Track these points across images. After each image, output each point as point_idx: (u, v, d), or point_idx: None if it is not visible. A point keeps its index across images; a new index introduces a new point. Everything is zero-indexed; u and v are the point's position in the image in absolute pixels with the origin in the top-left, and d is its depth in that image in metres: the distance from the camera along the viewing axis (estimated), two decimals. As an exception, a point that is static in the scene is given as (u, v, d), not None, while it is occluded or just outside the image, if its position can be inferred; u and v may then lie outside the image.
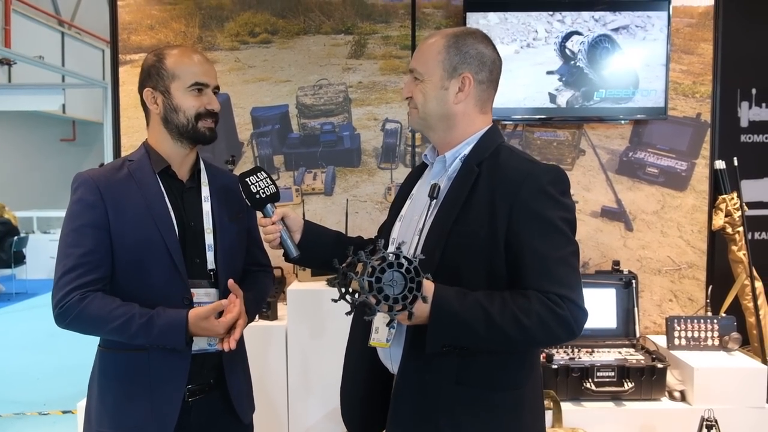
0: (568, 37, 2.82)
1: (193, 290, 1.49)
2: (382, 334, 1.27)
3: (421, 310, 1.18)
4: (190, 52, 1.54)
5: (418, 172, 1.51)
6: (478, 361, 1.27)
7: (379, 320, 1.33)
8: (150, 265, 1.45)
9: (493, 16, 2.83)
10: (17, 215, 8.31)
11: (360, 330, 1.41)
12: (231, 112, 2.98)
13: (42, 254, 8.90)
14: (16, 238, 7.74)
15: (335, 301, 1.18)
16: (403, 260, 1.12)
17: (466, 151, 1.36)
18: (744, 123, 3.34)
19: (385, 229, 1.49)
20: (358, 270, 1.15)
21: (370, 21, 2.97)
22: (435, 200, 1.33)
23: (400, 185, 1.56)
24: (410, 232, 1.36)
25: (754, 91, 3.32)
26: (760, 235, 3.36)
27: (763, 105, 3.35)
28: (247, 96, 2.98)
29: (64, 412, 3.85)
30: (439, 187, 1.33)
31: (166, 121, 1.51)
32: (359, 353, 1.40)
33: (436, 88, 1.34)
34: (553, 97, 2.84)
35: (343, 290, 1.17)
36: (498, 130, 1.40)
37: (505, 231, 1.24)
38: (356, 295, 1.15)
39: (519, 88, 2.82)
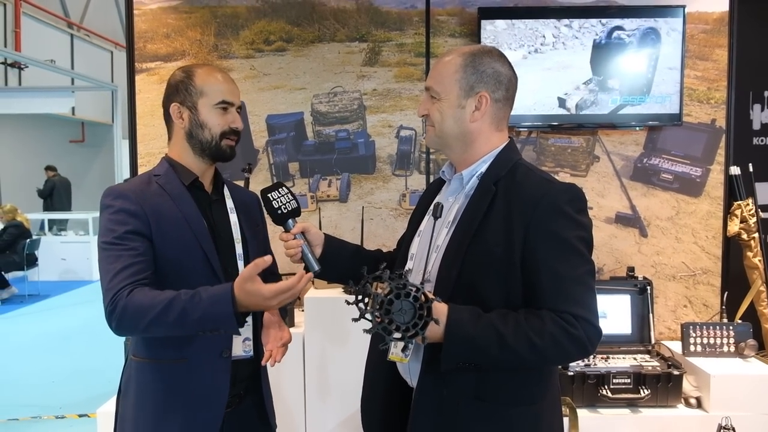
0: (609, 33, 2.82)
1: None
2: (400, 348, 1.30)
3: (435, 331, 1.20)
4: (217, 71, 1.58)
5: (436, 186, 1.53)
6: (496, 377, 1.29)
7: None
8: (190, 274, 1.47)
9: (500, 22, 2.84)
10: (29, 217, 8.37)
11: (379, 340, 1.43)
12: (246, 120, 3.00)
13: (54, 256, 8.97)
14: (28, 240, 7.80)
15: (356, 320, 1.20)
16: (409, 289, 1.15)
17: (483, 168, 1.37)
18: (756, 126, 3.34)
19: (405, 244, 1.51)
20: (376, 290, 1.18)
21: (384, 28, 2.99)
22: (438, 219, 1.35)
23: (419, 198, 1.58)
24: (426, 249, 1.38)
25: (766, 93, 3.32)
26: (771, 239, 3.36)
27: (775, 108, 3.35)
28: (262, 104, 3.00)
29: (81, 416, 3.89)
30: (442, 206, 1.36)
31: (191, 136, 1.54)
32: (379, 366, 1.43)
33: (453, 106, 1.36)
34: (562, 102, 2.84)
35: (362, 308, 1.20)
36: (514, 147, 1.42)
37: (521, 250, 1.26)
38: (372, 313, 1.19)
39: (528, 94, 2.83)
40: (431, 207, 1.46)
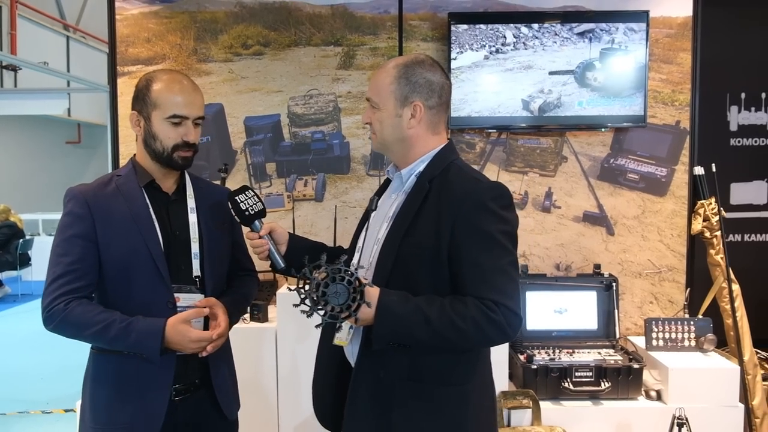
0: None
1: (177, 295, 1.60)
2: (342, 333, 1.39)
3: (367, 313, 1.31)
4: (177, 82, 1.61)
5: (384, 186, 1.62)
6: (428, 359, 1.40)
7: None
8: (135, 271, 1.56)
9: (463, 25, 2.92)
10: (23, 217, 8.45)
11: (329, 329, 1.52)
12: (225, 122, 3.09)
13: (47, 256, 8.99)
14: (21, 240, 7.88)
15: (296, 305, 1.30)
16: (344, 273, 1.26)
17: (421, 168, 1.48)
18: (734, 127, 3.42)
19: (354, 238, 1.60)
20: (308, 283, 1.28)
21: (358, 33, 3.08)
22: (374, 212, 1.47)
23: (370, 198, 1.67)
24: (371, 242, 1.48)
25: (743, 95, 3.41)
26: (749, 237, 3.44)
27: (752, 109, 3.43)
28: (240, 106, 3.09)
29: (66, 411, 3.97)
30: (377, 200, 1.47)
31: (146, 144, 1.62)
32: (328, 350, 1.52)
33: (391, 116, 1.47)
34: (526, 104, 2.93)
35: (302, 297, 1.30)
36: (452, 148, 1.52)
37: (448, 243, 1.36)
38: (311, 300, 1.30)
39: (490, 95, 2.92)
40: (388, 202, 1.56)
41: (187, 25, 3.09)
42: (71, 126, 12.54)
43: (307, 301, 1.28)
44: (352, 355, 1.48)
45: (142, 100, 1.60)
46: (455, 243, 1.36)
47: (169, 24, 3.10)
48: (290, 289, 1.31)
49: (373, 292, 1.31)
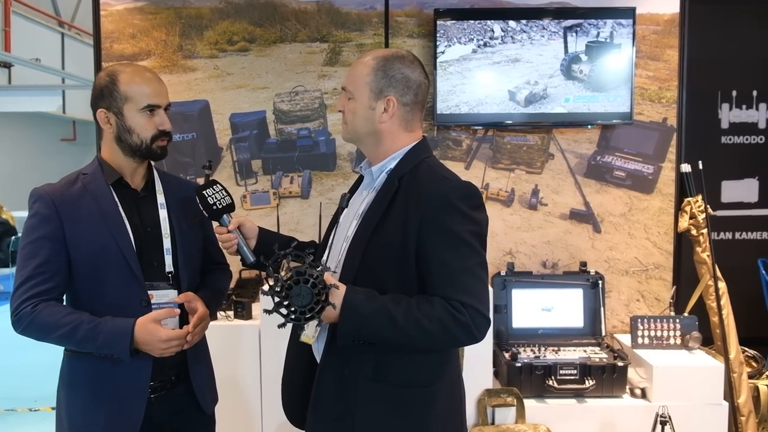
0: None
1: (151, 292, 1.59)
2: (309, 330, 1.38)
3: (332, 314, 1.30)
4: (142, 72, 1.61)
5: (357, 182, 1.60)
6: (394, 359, 1.38)
7: None
8: (107, 269, 1.54)
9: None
10: (17, 215, 8.43)
11: (294, 327, 1.51)
12: (210, 118, 3.07)
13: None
14: (13, 237, 7.86)
15: (264, 293, 1.29)
16: (308, 276, 1.25)
17: (392, 165, 1.46)
18: (725, 125, 3.42)
19: (325, 235, 1.59)
20: (282, 270, 1.27)
21: (344, 29, 3.06)
22: (345, 209, 1.45)
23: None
24: (340, 239, 1.46)
25: (734, 93, 3.40)
26: (740, 236, 3.44)
27: (744, 107, 3.43)
28: (225, 102, 3.07)
29: (53, 408, 3.95)
30: (349, 197, 1.46)
31: (120, 140, 1.59)
32: (297, 348, 1.51)
33: (364, 107, 1.45)
34: (512, 95, 2.91)
35: (269, 286, 1.29)
36: (425, 146, 1.50)
37: (416, 242, 1.35)
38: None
39: (478, 87, 2.91)
40: (359, 199, 1.54)
41: (172, 21, 3.07)
42: (66, 123, 12.51)
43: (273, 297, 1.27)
44: (318, 353, 1.47)
45: (108, 96, 1.57)
46: (422, 242, 1.34)
47: (154, 20, 3.08)
48: (263, 292, 1.31)
49: (338, 293, 1.29)
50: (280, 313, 1.27)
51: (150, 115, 1.58)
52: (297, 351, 1.51)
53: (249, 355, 2.66)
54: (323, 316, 1.27)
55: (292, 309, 1.26)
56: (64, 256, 1.53)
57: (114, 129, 1.59)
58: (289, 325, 1.58)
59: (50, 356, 5.21)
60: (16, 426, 3.82)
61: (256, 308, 2.76)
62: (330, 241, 1.51)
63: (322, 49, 3.06)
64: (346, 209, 1.50)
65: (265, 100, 3.08)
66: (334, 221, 1.55)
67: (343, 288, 1.31)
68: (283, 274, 1.26)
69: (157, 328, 1.50)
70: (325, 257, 1.46)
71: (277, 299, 1.26)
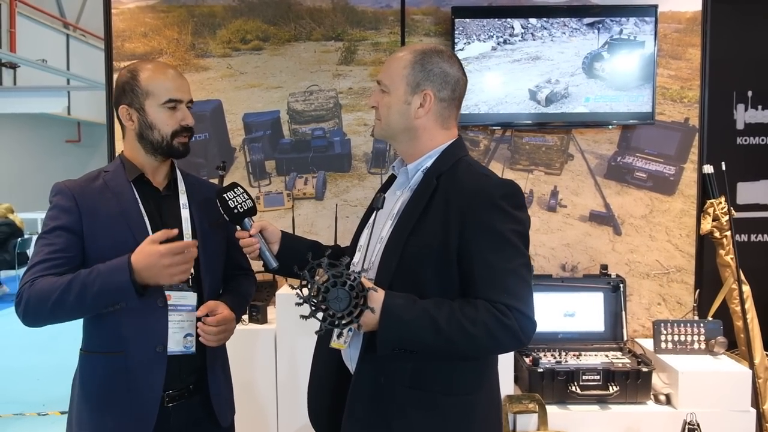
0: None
1: (168, 293, 1.53)
2: (340, 336, 1.32)
3: (370, 318, 1.23)
4: (163, 67, 1.58)
5: (390, 181, 1.55)
6: (432, 366, 1.31)
7: None
8: None
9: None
10: (22, 216, 8.40)
11: (326, 332, 1.45)
12: (223, 118, 3.02)
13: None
14: (19, 239, 7.83)
15: (299, 304, 1.23)
16: (345, 278, 1.19)
17: (428, 163, 1.40)
18: (740, 125, 3.36)
19: (355, 237, 1.53)
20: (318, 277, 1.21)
21: (359, 28, 3.01)
22: (380, 210, 1.39)
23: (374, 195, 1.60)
24: (374, 241, 1.40)
25: (750, 93, 3.34)
26: (756, 238, 3.37)
27: (759, 107, 3.36)
28: (239, 102, 3.02)
29: (63, 413, 3.91)
30: (384, 198, 1.39)
31: (141, 137, 1.55)
32: (325, 354, 1.44)
33: (399, 102, 1.39)
34: (533, 94, 2.86)
35: (303, 294, 1.23)
36: (461, 144, 1.44)
37: (457, 243, 1.28)
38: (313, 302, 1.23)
39: (497, 86, 2.85)
40: (392, 199, 1.49)
41: (184, 19, 3.02)
42: (71, 125, 12.50)
43: (307, 305, 1.21)
44: (350, 360, 1.41)
45: (130, 92, 1.54)
46: (465, 242, 1.28)
47: (166, 18, 3.03)
48: (292, 287, 1.24)
49: (377, 297, 1.23)
50: (317, 318, 1.21)
51: (172, 110, 1.54)
52: (325, 357, 1.45)
53: (264, 359, 2.60)
54: (362, 321, 1.21)
55: (330, 313, 1.20)
56: (79, 249, 1.48)
57: (136, 125, 1.55)
58: (314, 328, 1.54)
59: (58, 359, 5.20)
60: (24, 430, 3.77)
61: (272, 312, 2.71)
62: (362, 243, 1.45)
63: (337, 48, 3.01)
64: (380, 210, 1.45)
65: (279, 99, 3.02)
66: (365, 222, 1.49)
67: (381, 292, 1.25)
68: (318, 278, 1.20)
69: (154, 246, 1.36)
70: (356, 260, 1.41)
71: (313, 302, 1.20)
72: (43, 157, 12.15)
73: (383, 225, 1.41)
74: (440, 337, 1.23)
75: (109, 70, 3.04)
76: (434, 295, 1.28)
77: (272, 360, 2.61)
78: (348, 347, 1.35)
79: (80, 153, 12.83)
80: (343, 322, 1.20)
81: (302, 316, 1.22)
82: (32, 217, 9.54)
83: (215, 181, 2.46)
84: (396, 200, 1.43)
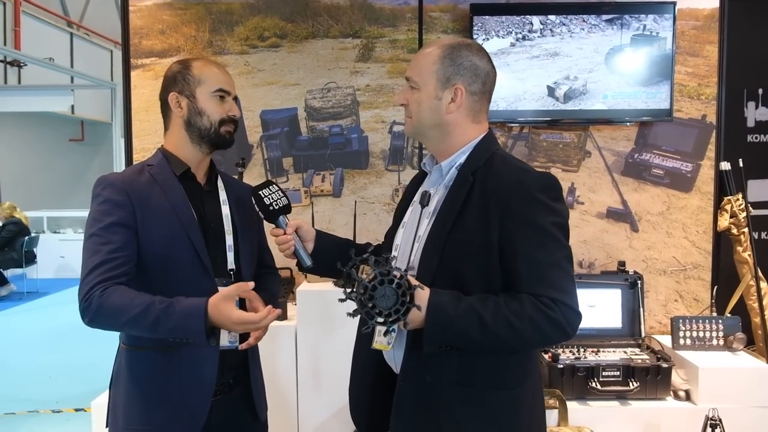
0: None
1: (219, 288, 1.53)
2: (383, 335, 1.32)
3: (417, 316, 1.23)
4: (213, 62, 1.64)
5: (418, 179, 1.55)
6: (477, 362, 1.32)
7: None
8: (176, 261, 1.49)
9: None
10: (27, 215, 8.40)
11: (367, 333, 1.45)
12: (241, 115, 3.00)
13: (52, 254, 9.01)
14: (26, 237, 7.83)
15: (342, 301, 1.23)
16: (393, 275, 1.19)
17: (462, 159, 1.39)
18: (750, 123, 3.36)
19: (389, 236, 1.53)
20: (362, 274, 1.21)
21: (377, 25, 3.01)
22: (425, 207, 1.38)
23: (403, 192, 1.60)
24: (410, 239, 1.40)
25: (760, 91, 3.34)
26: (766, 235, 3.38)
27: (770, 105, 3.37)
28: (256, 99, 3.03)
29: (77, 410, 3.92)
30: (430, 195, 1.38)
31: (189, 125, 1.56)
32: (366, 354, 1.44)
33: (430, 97, 1.38)
34: (551, 90, 2.86)
35: (348, 291, 1.23)
36: (493, 138, 1.44)
37: (498, 238, 1.28)
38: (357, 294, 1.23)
39: (516, 83, 2.86)
40: (416, 196, 1.48)
41: (202, 16, 3.03)
42: (75, 123, 12.50)
43: (353, 299, 1.21)
44: (393, 360, 1.41)
45: (182, 80, 1.56)
46: (506, 237, 1.28)
47: (183, 15, 3.03)
48: (336, 285, 1.25)
49: (423, 295, 1.23)
50: (365, 316, 1.20)
51: (221, 99, 1.57)
52: (366, 357, 1.45)
53: (285, 356, 2.61)
54: (408, 318, 1.21)
55: (377, 311, 1.19)
56: (135, 245, 1.47)
57: (185, 112, 1.56)
58: (355, 329, 1.54)
59: (69, 357, 5.19)
60: (39, 428, 3.77)
61: (292, 309, 2.71)
62: (398, 242, 1.45)
63: (355, 45, 3.02)
64: (411, 207, 1.44)
65: (297, 96, 3.03)
66: (399, 220, 1.49)
67: (427, 290, 1.25)
68: (364, 276, 1.20)
69: (230, 309, 1.39)
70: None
71: (360, 300, 1.20)
72: (47, 156, 12.16)
73: (418, 223, 1.40)
74: (487, 333, 1.23)
75: (127, 67, 3.04)
76: (477, 292, 1.29)
77: (293, 356, 2.62)
78: (392, 348, 1.36)
79: (84, 152, 12.83)
80: (390, 319, 1.20)
81: (349, 314, 1.22)
82: (37, 216, 9.55)
83: (235, 177, 2.48)
84: (431, 198, 1.42)
